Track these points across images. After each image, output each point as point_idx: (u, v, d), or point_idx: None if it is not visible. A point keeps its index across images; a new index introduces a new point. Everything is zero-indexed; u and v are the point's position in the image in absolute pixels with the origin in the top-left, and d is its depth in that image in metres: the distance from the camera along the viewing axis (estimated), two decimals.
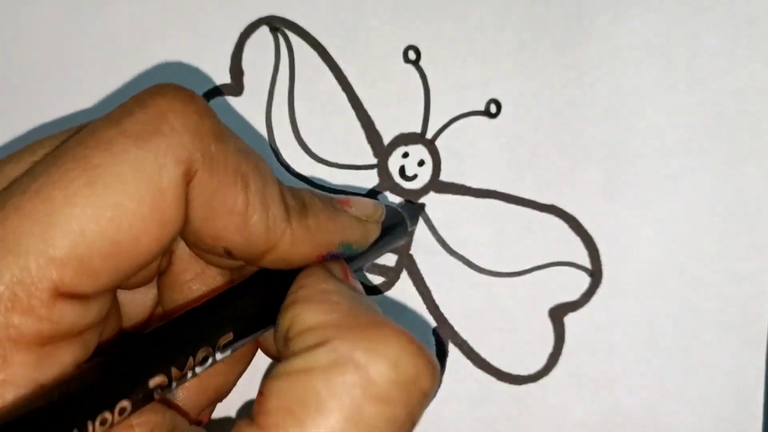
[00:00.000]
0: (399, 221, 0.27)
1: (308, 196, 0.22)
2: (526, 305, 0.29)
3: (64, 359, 0.18)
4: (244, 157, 0.19)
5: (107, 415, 0.17)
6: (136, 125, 0.18)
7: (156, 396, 0.19)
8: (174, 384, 0.19)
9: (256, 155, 0.20)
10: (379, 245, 0.25)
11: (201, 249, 0.21)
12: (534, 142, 0.29)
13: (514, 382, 0.29)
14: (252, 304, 0.21)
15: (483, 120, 0.29)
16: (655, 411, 0.29)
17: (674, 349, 0.29)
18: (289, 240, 0.20)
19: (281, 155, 0.31)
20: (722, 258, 0.29)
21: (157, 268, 0.23)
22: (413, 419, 0.19)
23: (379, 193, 0.30)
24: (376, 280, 0.30)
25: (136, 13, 0.30)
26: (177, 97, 0.18)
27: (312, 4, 0.30)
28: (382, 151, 0.30)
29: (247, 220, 0.19)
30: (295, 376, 0.18)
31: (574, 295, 0.29)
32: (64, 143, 0.18)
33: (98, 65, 0.30)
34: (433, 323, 0.30)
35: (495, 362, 0.29)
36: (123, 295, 0.24)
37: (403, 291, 0.30)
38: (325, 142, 0.30)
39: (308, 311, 0.20)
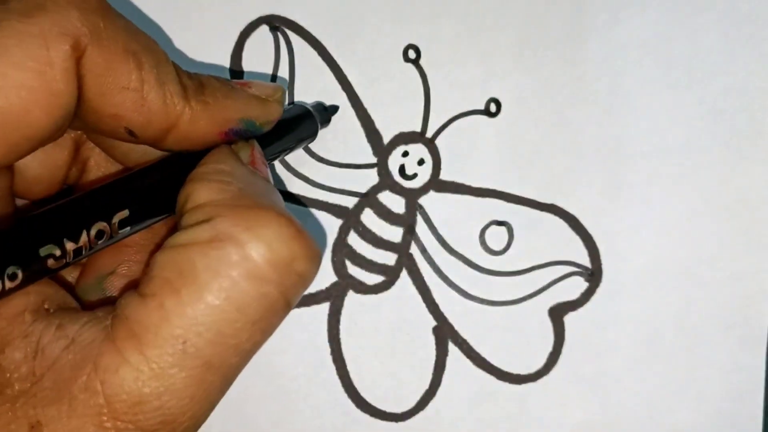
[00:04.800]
0: (307, 115, 0.28)
1: (205, 77, 0.22)
2: (525, 304, 0.29)
3: None
4: (134, 36, 0.20)
5: None
6: (21, 3, 0.18)
7: (50, 266, 0.19)
8: (70, 257, 0.19)
9: (147, 37, 0.21)
10: (286, 134, 0.26)
11: (104, 133, 0.21)
12: (534, 141, 0.29)
13: (514, 382, 0.29)
14: (152, 184, 0.21)
15: (483, 119, 0.29)
16: (654, 410, 0.29)
17: (674, 348, 0.29)
18: (189, 117, 0.21)
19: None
20: (722, 257, 0.29)
21: (64, 177, 0.24)
22: (287, 299, 0.19)
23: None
24: (376, 279, 0.30)
25: (137, 11, 0.30)
26: None
27: (312, 3, 0.30)
28: (382, 150, 0.30)
29: (144, 97, 0.20)
30: (176, 249, 0.19)
31: (573, 295, 0.29)
32: None
33: None
34: (434, 322, 0.30)
35: (495, 361, 0.29)
36: None
37: (403, 290, 0.30)
38: (325, 141, 0.30)
39: (201, 189, 0.20)
